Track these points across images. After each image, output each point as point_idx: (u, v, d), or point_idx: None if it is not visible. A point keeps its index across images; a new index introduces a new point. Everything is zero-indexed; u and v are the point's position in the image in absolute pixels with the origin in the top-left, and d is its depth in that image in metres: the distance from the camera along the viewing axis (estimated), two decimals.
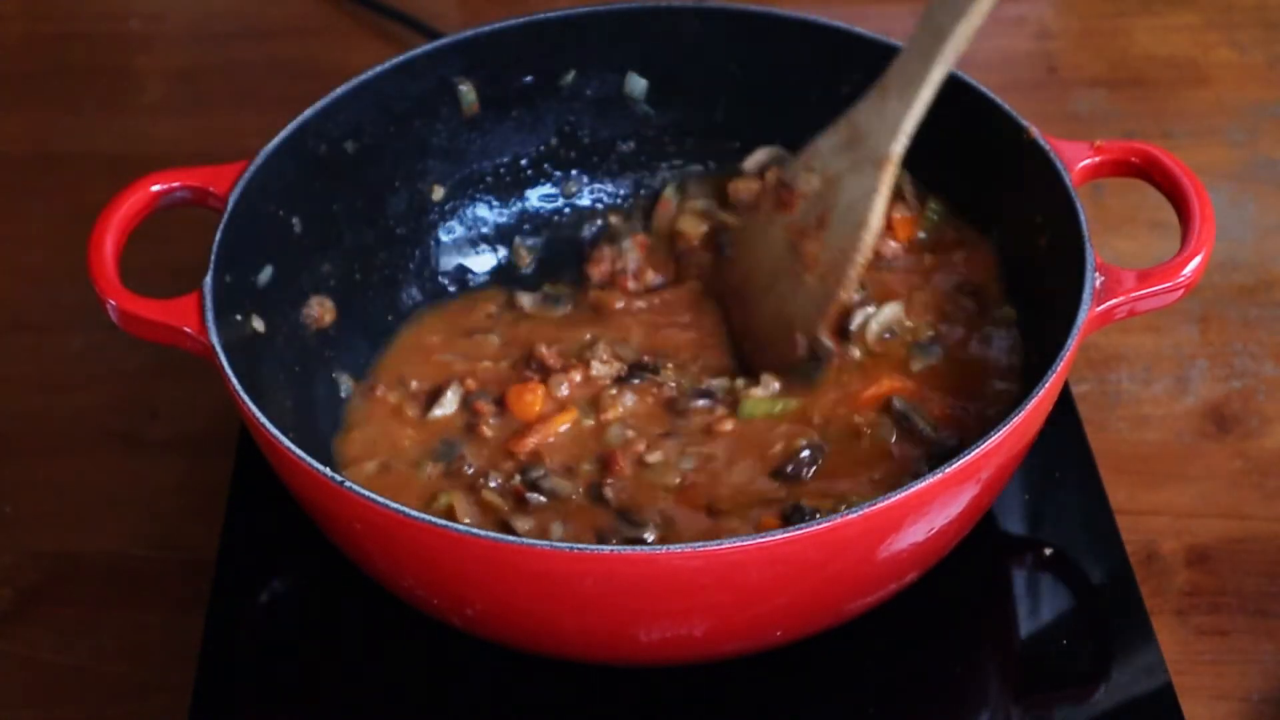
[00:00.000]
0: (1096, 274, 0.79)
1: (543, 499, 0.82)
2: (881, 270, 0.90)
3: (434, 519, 0.71)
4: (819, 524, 0.70)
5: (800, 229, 0.88)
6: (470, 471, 0.84)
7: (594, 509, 0.82)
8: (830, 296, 0.87)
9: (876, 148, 0.85)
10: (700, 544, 0.69)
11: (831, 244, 0.86)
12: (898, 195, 0.91)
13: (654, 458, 0.84)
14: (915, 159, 0.93)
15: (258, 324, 0.85)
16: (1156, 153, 0.84)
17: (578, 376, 0.88)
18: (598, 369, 0.88)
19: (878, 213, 0.85)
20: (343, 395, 0.89)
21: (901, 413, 0.84)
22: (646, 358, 0.89)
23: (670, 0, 0.95)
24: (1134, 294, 0.79)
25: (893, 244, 0.91)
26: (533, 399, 0.87)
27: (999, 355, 0.87)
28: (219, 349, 0.77)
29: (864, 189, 0.85)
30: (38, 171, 1.15)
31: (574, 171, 0.99)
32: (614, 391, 0.87)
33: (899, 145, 0.85)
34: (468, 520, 0.81)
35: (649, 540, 0.80)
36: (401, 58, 0.93)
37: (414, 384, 0.90)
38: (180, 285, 0.80)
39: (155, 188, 0.84)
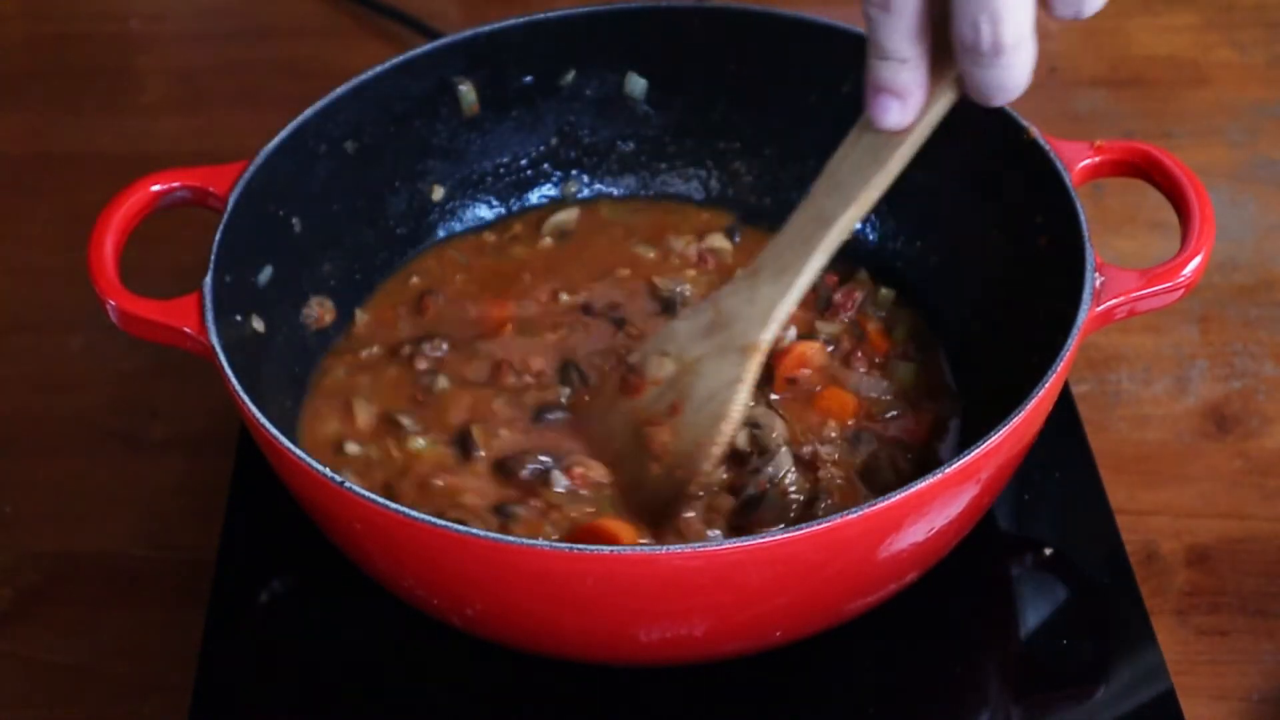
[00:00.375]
0: (1096, 274, 0.79)
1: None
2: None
3: (434, 519, 0.71)
4: (819, 524, 0.70)
5: (648, 416, 0.83)
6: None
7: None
8: (679, 490, 0.81)
9: (744, 334, 0.81)
10: (700, 544, 0.70)
11: (685, 435, 0.81)
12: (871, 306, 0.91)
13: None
14: (914, 159, 0.93)
15: (258, 324, 0.85)
16: (1156, 153, 0.84)
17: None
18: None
19: (740, 404, 0.81)
20: None
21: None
22: None
23: (670, 0, 0.95)
24: (1134, 294, 0.79)
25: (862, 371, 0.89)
26: None
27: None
28: (219, 349, 0.77)
29: (727, 378, 0.81)
30: (38, 171, 1.15)
31: (574, 171, 0.99)
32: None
33: (769, 334, 0.80)
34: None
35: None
36: (401, 58, 0.93)
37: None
38: (180, 285, 0.80)
39: (155, 188, 0.84)
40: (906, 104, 0.73)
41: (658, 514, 0.81)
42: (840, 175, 0.78)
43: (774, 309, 0.80)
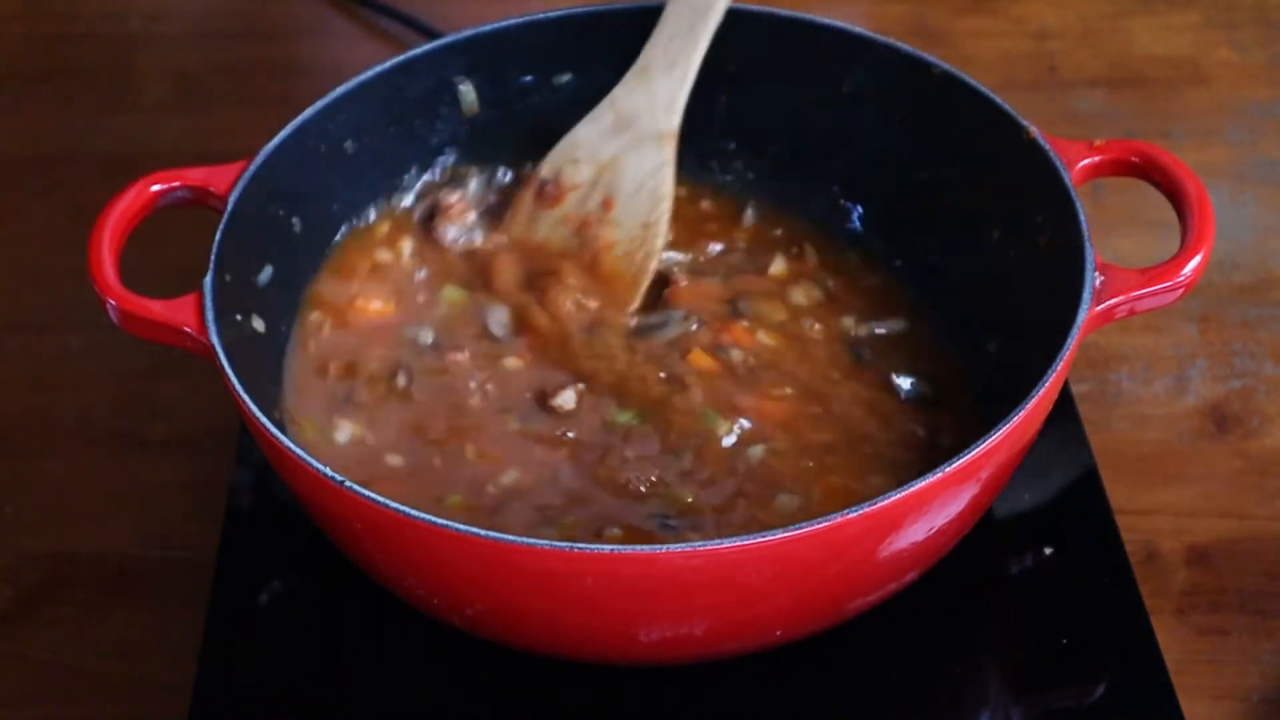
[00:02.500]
0: (1096, 273, 0.79)
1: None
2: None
3: (434, 519, 0.71)
4: (819, 523, 0.70)
5: (582, 219, 0.90)
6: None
7: None
8: (644, 271, 0.89)
9: (654, 125, 0.89)
10: (700, 543, 0.69)
11: (625, 222, 0.90)
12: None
13: None
14: (915, 158, 0.93)
15: (258, 324, 0.85)
16: (1156, 152, 0.84)
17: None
18: None
19: (670, 182, 0.90)
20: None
21: None
22: None
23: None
24: (1134, 293, 0.79)
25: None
26: None
27: None
28: (219, 349, 0.77)
29: (652, 163, 0.89)
30: (38, 171, 1.15)
31: None
32: None
33: (677, 118, 0.89)
34: None
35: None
36: (401, 58, 0.93)
37: None
38: (180, 285, 0.80)
39: (155, 188, 0.84)
40: None
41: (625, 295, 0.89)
42: None
43: (675, 98, 0.90)
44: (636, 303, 0.90)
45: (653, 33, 0.90)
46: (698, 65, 0.89)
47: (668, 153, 0.89)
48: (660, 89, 0.89)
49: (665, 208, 0.90)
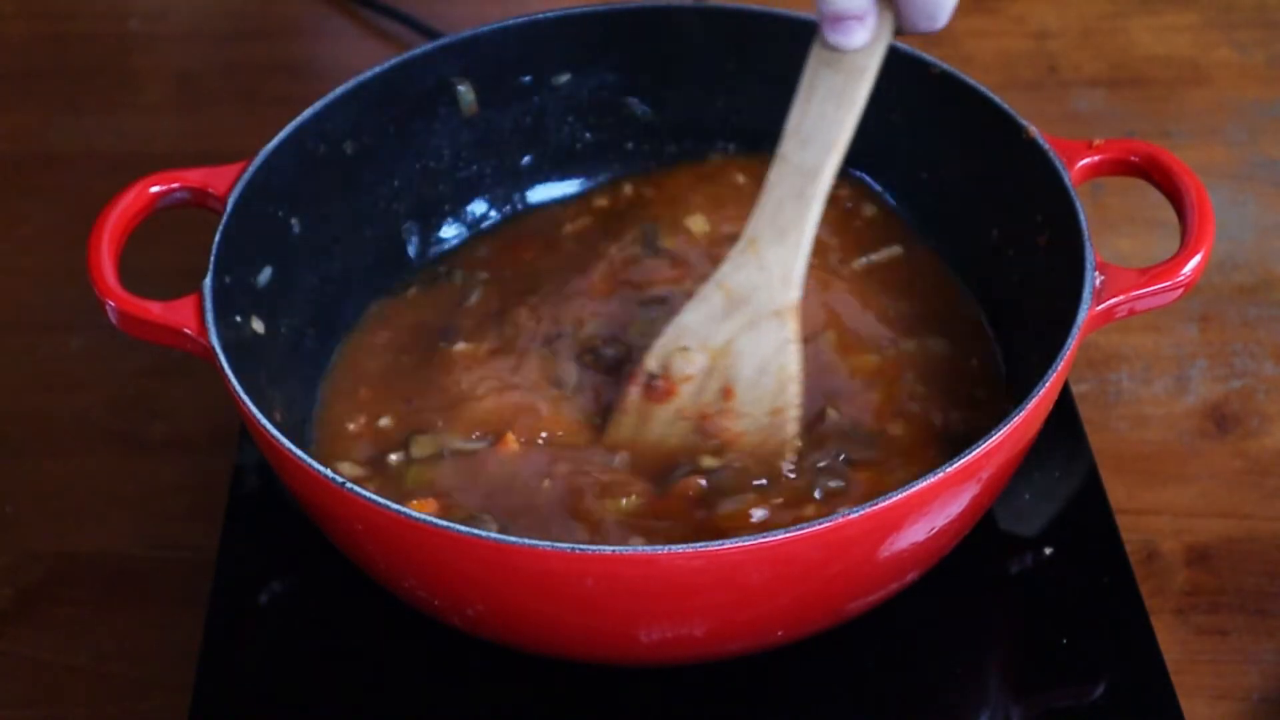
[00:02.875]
0: (1096, 273, 0.79)
1: None
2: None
3: (435, 519, 0.71)
4: (820, 524, 0.70)
5: (699, 411, 0.82)
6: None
7: None
8: (777, 463, 0.81)
9: (771, 301, 0.81)
10: (701, 544, 0.69)
11: (751, 411, 0.82)
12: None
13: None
14: (914, 158, 0.93)
15: (258, 324, 0.85)
16: (1155, 151, 0.84)
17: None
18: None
19: (798, 361, 0.82)
20: None
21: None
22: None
23: (670, 0, 0.95)
24: (1134, 293, 0.79)
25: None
26: None
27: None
28: (219, 350, 0.77)
29: (774, 342, 0.81)
30: (38, 171, 1.15)
31: (574, 171, 0.99)
32: None
33: (796, 293, 0.81)
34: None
35: None
36: (401, 58, 0.93)
37: None
38: (180, 286, 0.80)
39: (155, 188, 0.84)
40: (865, 22, 0.79)
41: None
42: (807, 128, 0.81)
43: (792, 269, 0.81)
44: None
45: (757, 203, 0.81)
46: (813, 233, 0.81)
47: (791, 329, 0.81)
48: (773, 261, 0.81)
49: (795, 390, 0.81)
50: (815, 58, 0.81)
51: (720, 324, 0.82)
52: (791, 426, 0.82)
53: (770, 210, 0.81)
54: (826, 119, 0.80)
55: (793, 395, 0.82)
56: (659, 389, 0.82)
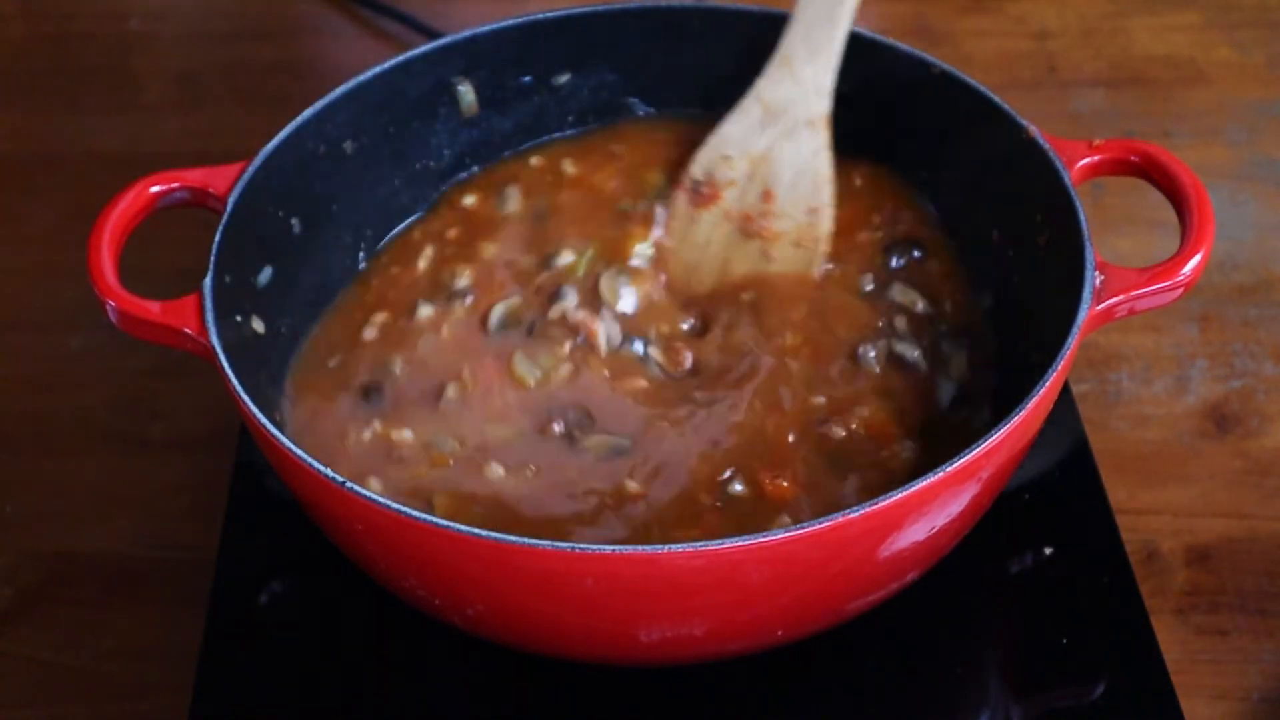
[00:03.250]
0: (1096, 273, 0.79)
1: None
2: None
3: (435, 519, 0.71)
4: (820, 524, 0.70)
5: (743, 213, 0.90)
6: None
7: None
8: (817, 255, 0.90)
9: (806, 111, 0.89)
10: (701, 544, 0.69)
11: (790, 211, 0.89)
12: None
13: None
14: (915, 158, 0.93)
15: (258, 324, 0.85)
16: (1155, 151, 0.83)
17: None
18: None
19: (830, 165, 0.89)
20: None
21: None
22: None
23: (670, 0, 0.95)
24: (1134, 293, 0.79)
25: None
26: None
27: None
28: (219, 350, 0.77)
29: (809, 148, 0.89)
30: (38, 171, 1.15)
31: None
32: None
33: (827, 101, 0.89)
34: None
35: None
36: (401, 58, 0.93)
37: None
38: (180, 285, 0.80)
39: (155, 188, 0.84)
40: None
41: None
42: None
43: (823, 83, 0.89)
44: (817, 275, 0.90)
45: (789, 24, 0.89)
46: (841, 50, 0.89)
47: (823, 137, 0.89)
48: (807, 76, 0.89)
49: (829, 190, 0.90)
50: None
51: (759, 134, 0.90)
52: (827, 223, 0.90)
53: (802, 32, 0.89)
54: None
55: (827, 195, 0.89)
56: (704, 194, 0.90)
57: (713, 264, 0.91)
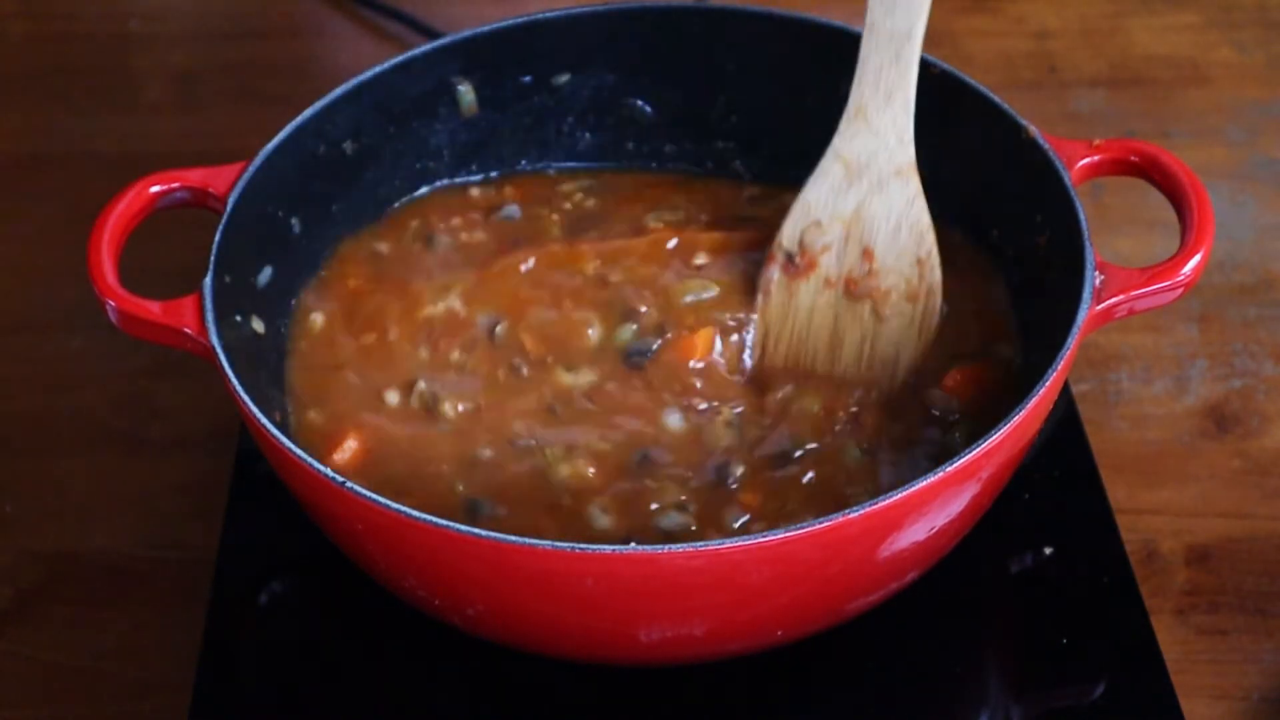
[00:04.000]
0: (1096, 273, 0.79)
1: None
2: None
3: (435, 519, 0.71)
4: (819, 523, 0.70)
5: (846, 278, 0.86)
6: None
7: None
8: (933, 310, 0.86)
9: (891, 162, 0.85)
10: (701, 544, 0.69)
11: (896, 265, 0.85)
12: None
13: None
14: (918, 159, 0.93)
15: (258, 324, 0.85)
16: (1155, 151, 0.84)
17: None
18: None
19: (927, 212, 0.85)
20: None
21: None
22: None
23: (670, 0, 0.95)
24: (1134, 293, 0.79)
25: None
26: None
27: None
28: (219, 350, 0.77)
29: (902, 199, 0.85)
30: (38, 171, 1.15)
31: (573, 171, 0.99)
32: None
33: (911, 149, 0.84)
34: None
35: None
36: (401, 58, 0.93)
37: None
38: (180, 286, 0.80)
39: (154, 188, 0.84)
40: None
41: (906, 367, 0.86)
42: None
43: (904, 129, 0.84)
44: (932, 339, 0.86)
45: (857, 72, 0.84)
46: (914, 90, 0.84)
47: (914, 185, 0.85)
48: (884, 125, 0.84)
49: (932, 239, 0.85)
50: None
51: (846, 194, 0.85)
52: (936, 272, 0.85)
53: (870, 78, 0.84)
54: None
55: (930, 243, 0.85)
56: (799, 266, 0.86)
57: (820, 334, 0.87)
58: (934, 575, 0.80)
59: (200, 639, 0.83)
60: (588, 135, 0.98)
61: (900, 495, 0.70)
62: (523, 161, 0.98)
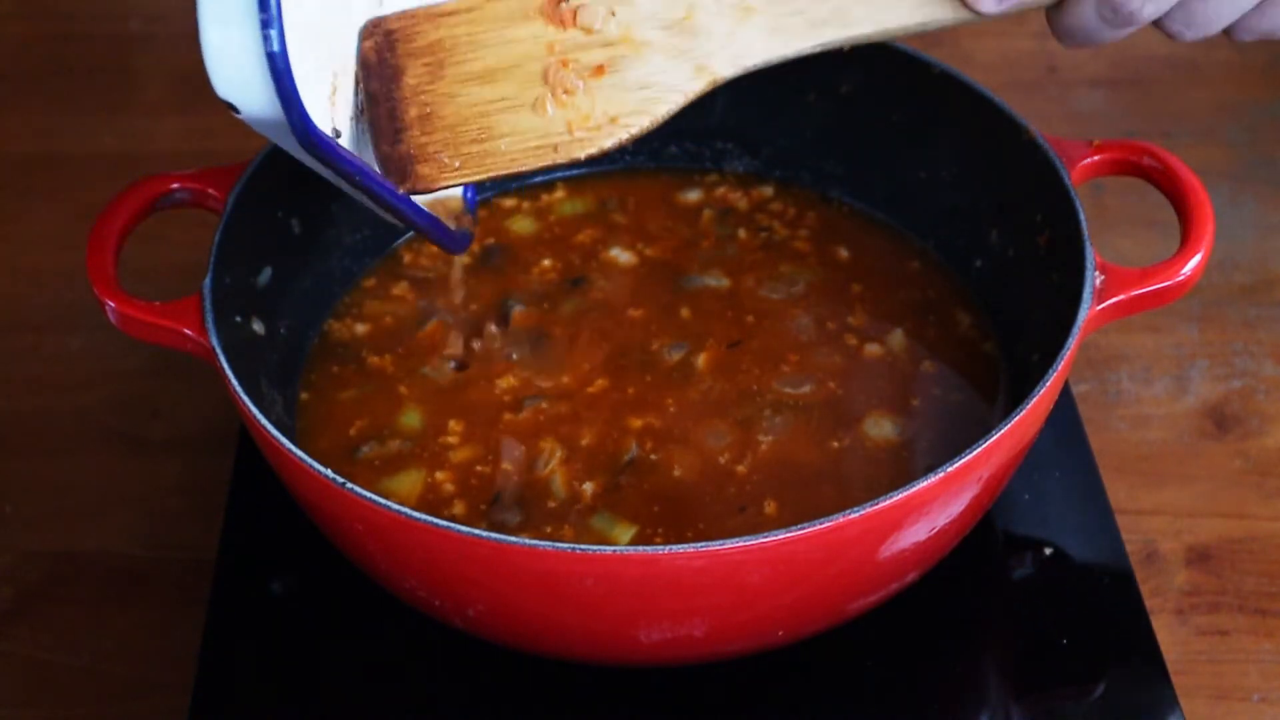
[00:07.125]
0: (1096, 273, 0.79)
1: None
2: None
3: (435, 520, 0.71)
4: (820, 524, 0.70)
5: (564, 56, 0.76)
6: None
7: None
8: (574, 147, 0.77)
9: (708, 56, 0.76)
10: (702, 544, 0.69)
11: (597, 103, 0.76)
12: None
13: None
14: (914, 158, 0.93)
15: (258, 325, 0.85)
16: (1155, 151, 0.84)
17: None
18: None
19: (670, 112, 0.76)
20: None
21: None
22: None
23: None
24: (1134, 293, 0.79)
25: None
26: None
27: None
28: (219, 350, 0.77)
29: (669, 80, 0.76)
30: (38, 171, 1.15)
31: (573, 171, 0.99)
32: None
33: (731, 73, 0.76)
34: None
35: None
36: None
37: None
38: (180, 286, 0.80)
39: (154, 189, 0.84)
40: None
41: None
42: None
43: (748, 59, 0.76)
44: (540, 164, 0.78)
45: None
46: (791, 56, 0.77)
47: (695, 87, 0.76)
48: (743, 39, 0.76)
49: (644, 125, 0.76)
50: None
51: (657, 30, 0.77)
52: (609, 142, 0.77)
53: (789, 8, 0.76)
54: (876, 13, 0.78)
55: (638, 125, 0.76)
56: (561, 13, 0.76)
57: (466, 73, 0.77)
58: (934, 575, 0.80)
59: (200, 639, 0.83)
60: None
61: (900, 495, 0.70)
62: None
